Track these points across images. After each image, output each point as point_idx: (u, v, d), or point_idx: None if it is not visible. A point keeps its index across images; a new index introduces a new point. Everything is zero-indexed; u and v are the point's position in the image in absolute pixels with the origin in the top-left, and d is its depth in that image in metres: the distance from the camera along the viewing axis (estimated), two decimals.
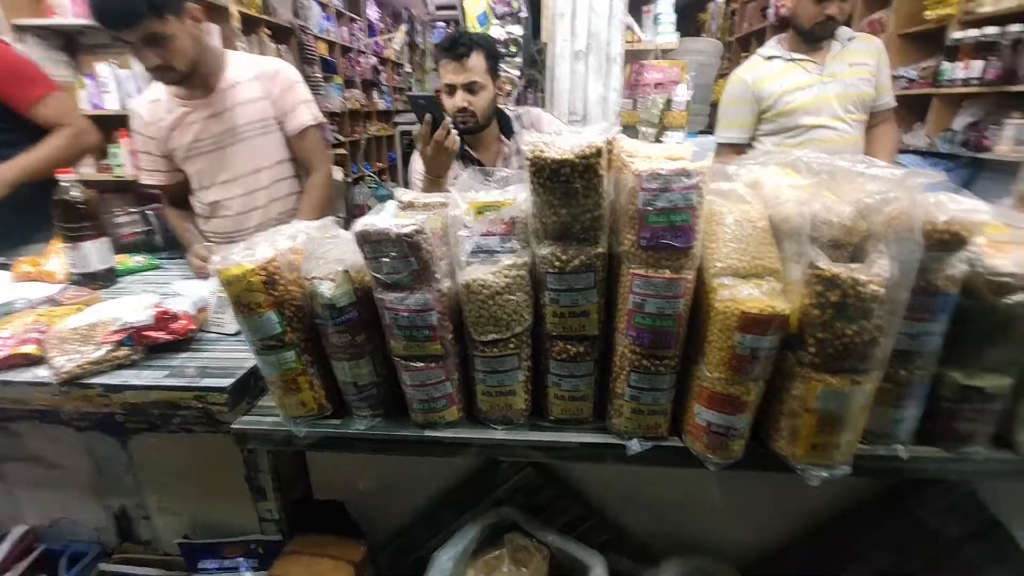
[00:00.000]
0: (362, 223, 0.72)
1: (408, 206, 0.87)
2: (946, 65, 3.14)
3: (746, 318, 0.65)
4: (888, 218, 0.63)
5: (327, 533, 1.04)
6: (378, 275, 0.74)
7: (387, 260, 0.72)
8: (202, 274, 1.40)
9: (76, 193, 1.24)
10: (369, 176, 6.13)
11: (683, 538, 1.01)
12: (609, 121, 2.96)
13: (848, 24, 4.03)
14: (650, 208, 0.66)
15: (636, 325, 0.72)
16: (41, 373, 0.88)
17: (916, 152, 3.41)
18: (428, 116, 1.34)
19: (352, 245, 0.76)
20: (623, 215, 0.71)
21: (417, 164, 1.76)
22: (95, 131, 1.76)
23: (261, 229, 1.66)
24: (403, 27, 7.49)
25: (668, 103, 2.79)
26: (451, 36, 1.56)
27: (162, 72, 1.39)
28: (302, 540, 1.03)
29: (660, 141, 2.72)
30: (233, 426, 0.87)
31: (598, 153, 0.66)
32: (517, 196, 0.76)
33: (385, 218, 0.74)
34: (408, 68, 7.93)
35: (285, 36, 4.34)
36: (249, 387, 0.92)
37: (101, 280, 1.33)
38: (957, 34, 3.06)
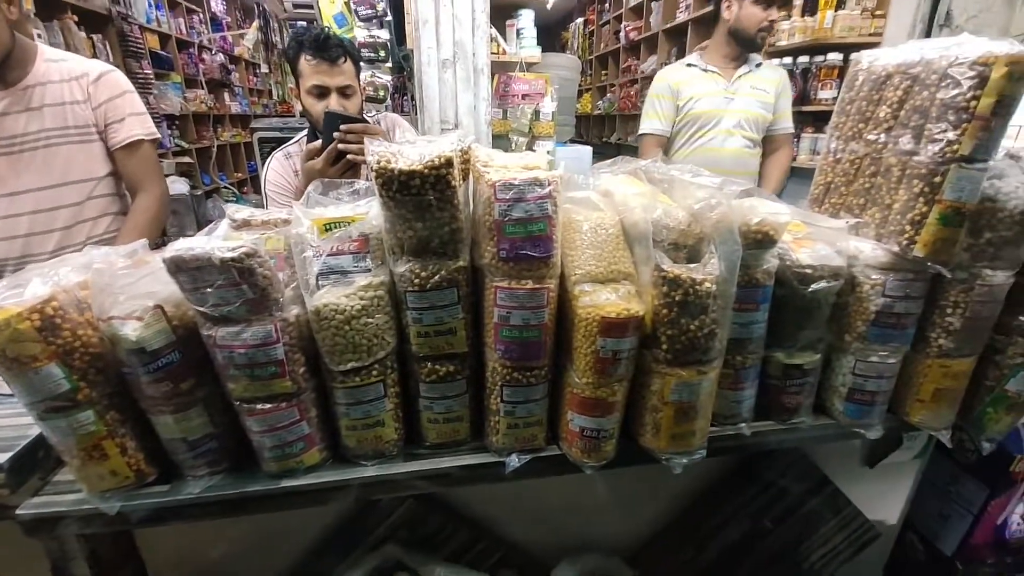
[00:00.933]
0: (175, 248, 0.60)
1: (243, 225, 0.76)
2: None
3: (606, 322, 0.67)
4: (714, 221, 0.69)
5: None
6: (202, 308, 0.62)
7: (211, 291, 0.61)
8: None
9: None
10: (226, 188, 5.43)
11: (571, 541, 1.02)
12: (481, 131, 3.01)
13: (682, 49, 4.56)
14: (506, 219, 0.65)
15: (504, 339, 0.70)
16: None
17: None
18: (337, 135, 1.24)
19: (165, 275, 0.63)
20: (482, 226, 0.69)
21: (273, 175, 1.58)
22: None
23: (48, 258, 1.39)
24: (256, 23, 6.80)
25: (536, 114, 2.90)
26: (316, 34, 1.40)
27: None
28: None
29: (533, 150, 2.81)
30: (19, 511, 0.67)
31: (448, 163, 0.63)
32: (370, 210, 0.70)
33: (208, 240, 0.63)
34: (265, 68, 7.20)
35: (100, 24, 3.65)
36: (37, 461, 0.72)
37: None
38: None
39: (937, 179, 0.68)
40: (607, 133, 6.43)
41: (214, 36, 6.02)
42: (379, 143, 0.65)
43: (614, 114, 6.20)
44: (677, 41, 4.94)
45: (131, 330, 0.61)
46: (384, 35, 2.91)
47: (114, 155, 1.42)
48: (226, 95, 6.11)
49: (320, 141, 1.29)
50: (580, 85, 7.00)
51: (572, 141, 3.32)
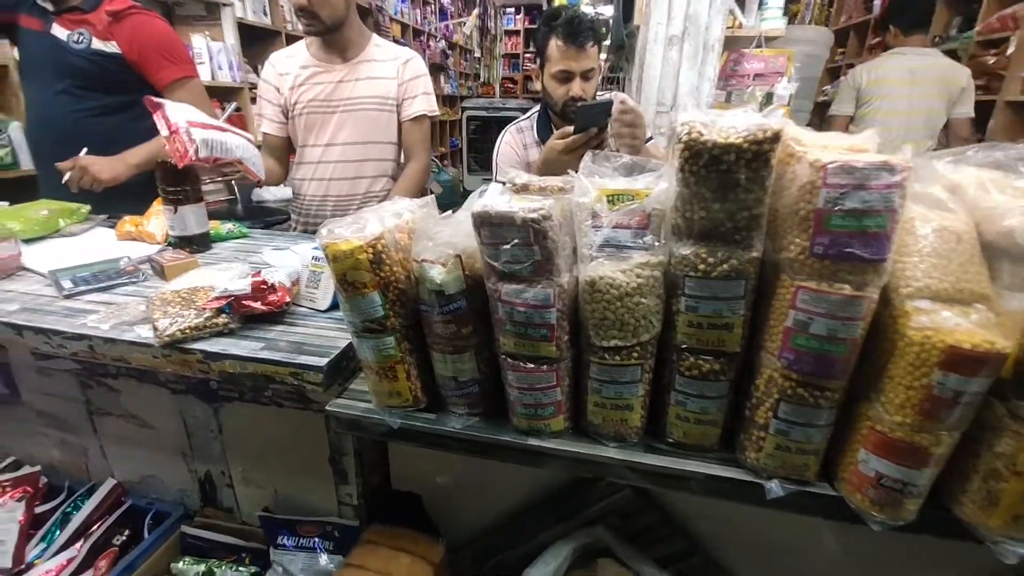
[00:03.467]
0: (481, 204, 0.65)
1: (522, 189, 0.79)
2: None
3: (953, 353, 0.52)
4: None
5: (404, 526, 1.00)
6: (495, 263, 0.66)
7: (507, 247, 0.64)
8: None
9: None
10: (432, 160, 6.18)
11: None
12: None
13: (970, 20, 3.55)
14: (835, 208, 0.54)
15: (795, 347, 0.60)
16: (144, 333, 0.88)
17: None
18: (594, 130, 1.27)
19: (463, 228, 0.69)
20: (789, 215, 0.59)
21: (506, 148, 1.69)
22: None
23: (346, 200, 1.71)
24: (476, 12, 7.45)
25: (768, 97, 2.56)
26: (569, 17, 1.45)
27: (307, 17, 1.49)
28: (379, 531, 0.99)
29: None
30: (328, 408, 0.83)
31: (775, 138, 0.55)
32: (655, 186, 0.66)
33: (504, 200, 0.66)
34: (477, 54, 7.89)
35: (363, 15, 4.41)
36: (341, 368, 0.88)
37: (196, 244, 1.35)
38: None
39: None
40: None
41: (439, 24, 6.72)
42: (691, 111, 0.60)
43: None
44: (963, 7, 3.75)
45: (436, 273, 0.68)
46: (608, 11, 2.85)
47: (402, 126, 1.69)
48: (441, 78, 6.81)
49: (572, 128, 1.30)
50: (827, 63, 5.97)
51: None
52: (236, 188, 2.67)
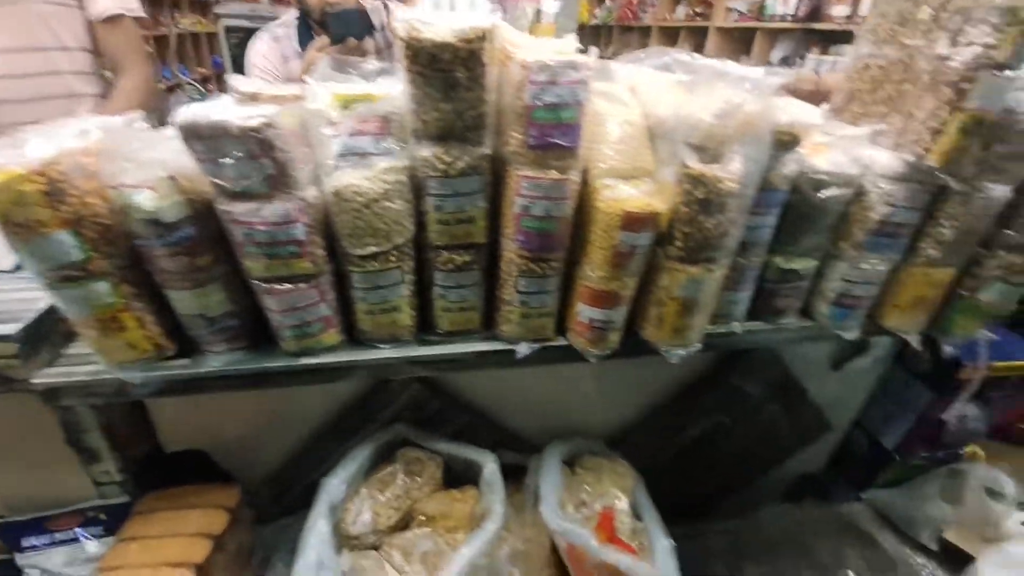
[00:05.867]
0: (189, 113, 0.56)
1: (251, 99, 0.70)
2: (770, 0, 3.56)
3: (628, 217, 0.68)
4: (742, 121, 0.68)
5: (189, 485, 0.92)
6: (220, 181, 0.59)
7: (230, 162, 0.58)
8: None
9: None
10: (189, 84, 4.90)
11: (562, 428, 1.11)
12: None
13: None
14: (539, 103, 0.63)
15: (524, 229, 0.71)
16: None
17: None
18: (352, 40, 1.13)
19: (175, 145, 0.60)
20: (510, 112, 0.66)
21: (260, 59, 1.45)
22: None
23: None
24: None
25: (538, 14, 2.68)
26: None
27: None
28: (157, 497, 0.90)
29: None
30: (34, 381, 0.68)
31: (483, 37, 0.59)
32: (390, 90, 0.66)
33: (224, 107, 0.59)
34: None
35: None
36: (48, 333, 0.72)
37: None
38: None
39: (965, 86, 0.68)
40: (603, 45, 6.03)
41: None
42: (407, 10, 0.60)
43: (612, 24, 5.75)
44: None
45: (145, 200, 0.58)
46: None
47: (94, 30, 1.27)
48: None
49: (328, 39, 1.17)
50: None
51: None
52: None
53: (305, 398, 0.94)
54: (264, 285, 0.67)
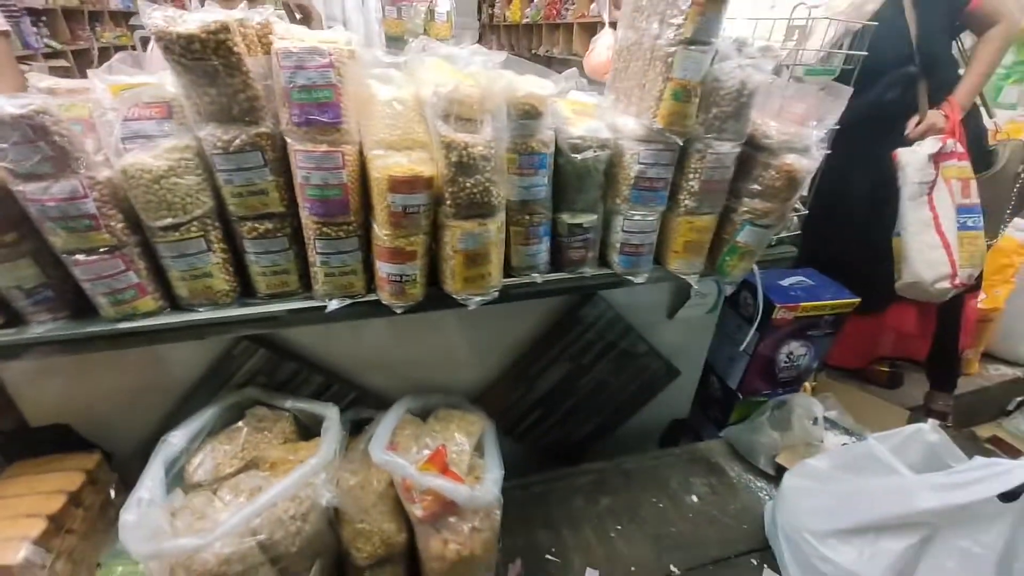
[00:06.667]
0: None
1: (48, 93, 0.79)
2: None
3: (393, 180, 0.79)
4: (488, 95, 0.80)
5: (53, 455, 1.00)
6: (6, 164, 0.68)
7: (9, 147, 0.67)
8: None
9: None
10: None
11: (426, 387, 1.21)
12: (372, 30, 2.83)
13: None
14: (291, 85, 0.73)
15: (309, 197, 0.81)
16: None
17: None
18: None
19: None
20: (280, 96, 0.76)
21: None
22: None
23: None
24: None
25: (431, 13, 2.76)
26: None
27: None
28: (22, 465, 0.98)
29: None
30: None
31: (224, 29, 0.69)
32: (167, 79, 0.76)
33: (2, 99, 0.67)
34: None
35: None
36: None
37: None
38: None
39: (671, 60, 0.81)
40: (535, 44, 6.14)
41: None
42: (165, 9, 0.69)
43: (540, 23, 5.89)
44: None
45: None
46: None
47: None
48: None
49: None
50: None
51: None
52: None
53: (161, 373, 1.03)
54: (69, 257, 0.76)
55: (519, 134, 0.85)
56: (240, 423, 1.01)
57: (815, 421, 1.40)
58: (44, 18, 4.24)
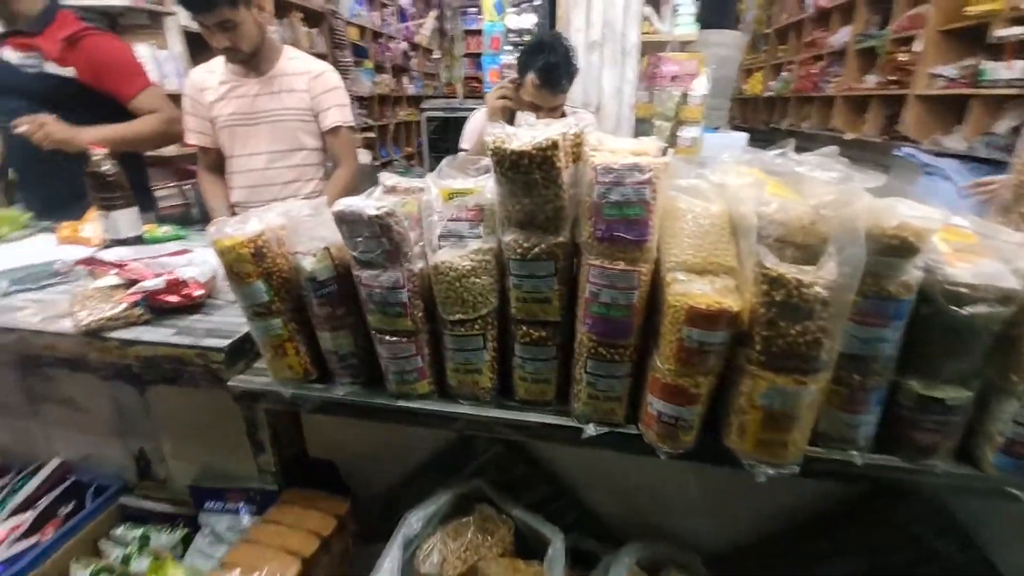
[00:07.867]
0: (341, 204, 0.77)
1: (391, 190, 0.92)
2: (988, 64, 3.00)
3: (693, 312, 0.67)
4: (837, 221, 0.62)
5: (318, 488, 1.13)
6: (354, 253, 0.79)
7: (361, 240, 0.77)
8: None
9: (107, 166, 1.36)
10: (396, 161, 6.30)
11: (651, 525, 1.03)
12: (623, 114, 2.92)
13: (887, 19, 3.83)
14: (604, 200, 0.68)
15: (592, 314, 0.75)
16: (65, 325, 0.99)
17: (954, 156, 3.21)
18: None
19: (334, 225, 0.82)
20: (584, 206, 0.73)
21: (472, 123, 1.98)
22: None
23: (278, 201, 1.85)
24: (432, 13, 7.55)
25: (684, 97, 2.71)
26: (546, 64, 1.67)
27: (230, 53, 1.66)
28: (294, 492, 1.12)
29: (675, 135, 2.66)
30: (230, 383, 0.95)
31: (554, 146, 0.68)
32: (487, 185, 0.80)
33: (364, 200, 0.79)
34: (437, 54, 7.99)
35: (317, 20, 4.46)
36: (246, 349, 1.00)
37: (130, 246, 1.45)
38: (1001, 32, 2.91)
39: None
40: (776, 118, 5.62)
41: (400, 26, 6.81)
42: (499, 127, 0.73)
43: (788, 96, 5.38)
44: (882, 7, 4.03)
45: (308, 263, 0.81)
46: (533, 19, 3.00)
47: (323, 135, 1.84)
48: (404, 79, 6.96)
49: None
50: (751, 63, 6.29)
51: (735, 128, 3.04)
52: (191, 194, 2.77)
53: (411, 438, 1.09)
54: (377, 335, 0.84)
55: (875, 273, 0.64)
56: (468, 519, 0.98)
57: None
58: (366, 103, 5.68)
